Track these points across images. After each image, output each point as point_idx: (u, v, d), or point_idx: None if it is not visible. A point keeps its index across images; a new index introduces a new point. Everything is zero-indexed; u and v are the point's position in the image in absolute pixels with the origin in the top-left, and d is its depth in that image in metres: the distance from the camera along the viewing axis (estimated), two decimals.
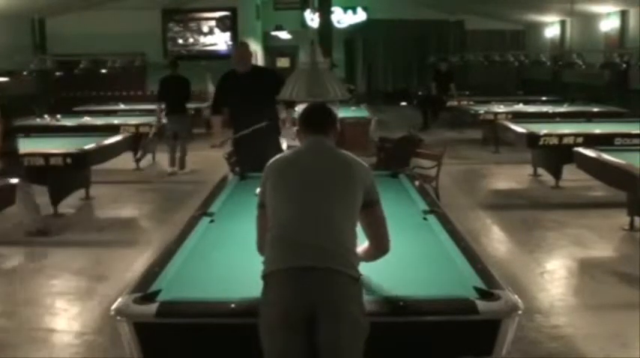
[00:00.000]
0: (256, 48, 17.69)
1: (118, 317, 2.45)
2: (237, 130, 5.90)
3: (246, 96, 5.72)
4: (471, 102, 13.06)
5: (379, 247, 2.68)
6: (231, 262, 3.08)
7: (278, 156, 2.76)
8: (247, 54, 5.96)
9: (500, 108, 11.76)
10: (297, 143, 2.88)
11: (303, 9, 16.57)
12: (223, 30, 15.49)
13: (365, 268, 2.61)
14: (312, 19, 12.23)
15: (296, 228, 2.46)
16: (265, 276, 2.43)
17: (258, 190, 2.74)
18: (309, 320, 2.28)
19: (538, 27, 17.35)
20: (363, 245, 2.69)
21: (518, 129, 8.57)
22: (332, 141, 2.74)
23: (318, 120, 2.76)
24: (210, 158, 10.73)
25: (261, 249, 2.67)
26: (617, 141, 7.75)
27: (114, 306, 2.49)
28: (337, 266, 2.37)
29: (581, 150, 6.83)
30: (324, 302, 2.30)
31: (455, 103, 13.24)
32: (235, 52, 6.39)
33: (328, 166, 2.62)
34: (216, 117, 6.16)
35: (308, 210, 2.49)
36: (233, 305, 2.45)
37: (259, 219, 2.67)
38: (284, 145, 6.18)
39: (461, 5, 17.11)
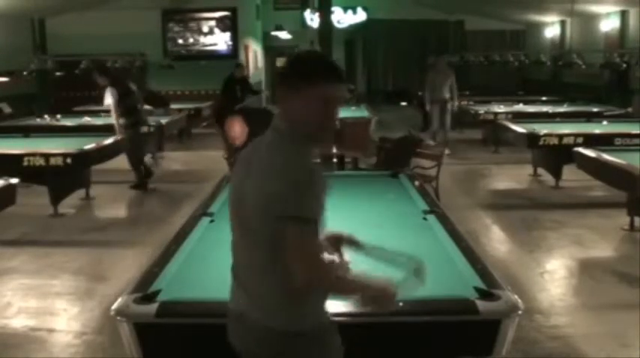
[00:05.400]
0: (256, 48, 17.72)
1: (118, 318, 2.45)
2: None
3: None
4: (471, 102, 13.05)
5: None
6: (231, 262, 3.07)
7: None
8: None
9: (501, 108, 11.74)
10: None
11: (303, 9, 16.60)
12: (223, 30, 15.46)
13: (365, 268, 2.59)
14: (312, 19, 12.23)
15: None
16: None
17: None
18: None
19: (538, 27, 17.34)
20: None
21: (519, 129, 8.57)
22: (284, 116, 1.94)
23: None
24: (210, 158, 10.78)
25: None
26: (617, 141, 7.76)
27: (114, 306, 2.49)
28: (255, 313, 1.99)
29: (581, 150, 6.84)
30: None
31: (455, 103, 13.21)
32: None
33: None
34: None
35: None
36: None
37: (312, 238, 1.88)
38: None
39: (461, 5, 17.09)
